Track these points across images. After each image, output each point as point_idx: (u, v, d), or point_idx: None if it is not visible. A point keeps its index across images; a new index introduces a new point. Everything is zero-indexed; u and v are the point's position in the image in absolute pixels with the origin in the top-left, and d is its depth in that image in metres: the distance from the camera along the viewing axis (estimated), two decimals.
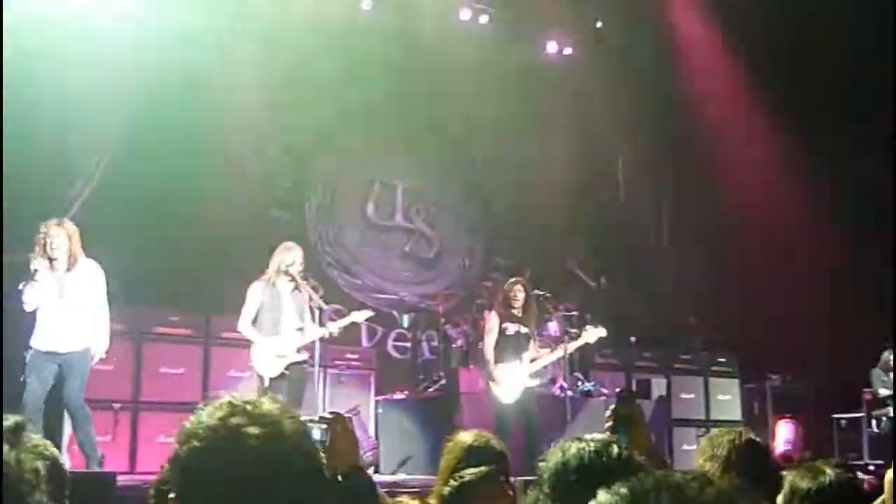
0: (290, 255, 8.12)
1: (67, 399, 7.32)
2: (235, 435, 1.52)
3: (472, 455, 3.47)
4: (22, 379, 7.23)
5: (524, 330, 8.81)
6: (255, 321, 8.06)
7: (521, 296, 8.87)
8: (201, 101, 10.88)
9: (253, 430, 1.52)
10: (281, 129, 12.09)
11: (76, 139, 9.90)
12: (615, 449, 2.36)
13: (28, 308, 7.34)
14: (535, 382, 8.84)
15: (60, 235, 7.35)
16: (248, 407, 1.56)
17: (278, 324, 7.99)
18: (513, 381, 8.60)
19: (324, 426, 3.00)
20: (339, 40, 11.99)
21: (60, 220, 7.51)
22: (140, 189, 10.14)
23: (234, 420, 1.53)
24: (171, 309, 9.55)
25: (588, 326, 9.37)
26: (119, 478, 6.59)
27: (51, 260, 7.33)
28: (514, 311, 8.82)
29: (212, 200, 11.05)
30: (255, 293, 8.07)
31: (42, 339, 7.31)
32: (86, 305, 7.44)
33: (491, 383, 8.64)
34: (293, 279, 8.01)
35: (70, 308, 7.36)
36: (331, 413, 3.10)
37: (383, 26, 12.42)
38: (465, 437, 3.65)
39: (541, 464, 2.42)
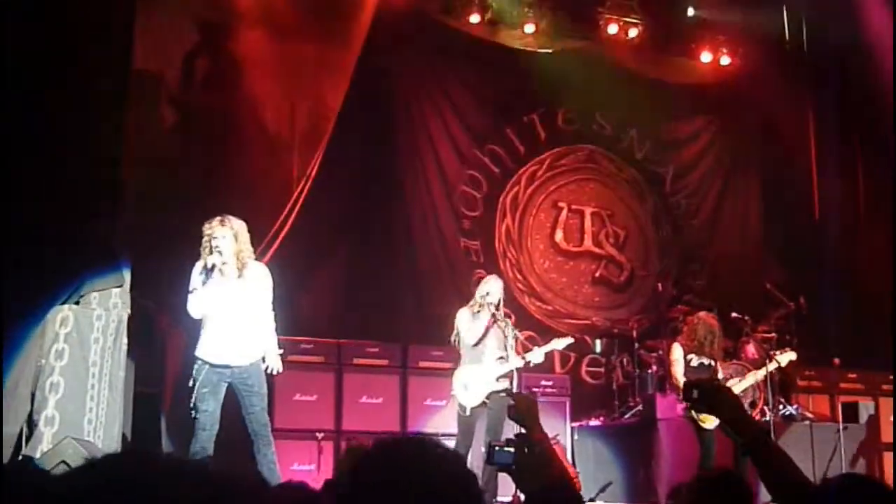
0: (487, 287, 8.23)
1: (252, 418, 6.88)
2: None
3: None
4: (192, 396, 6.83)
5: (707, 361, 8.65)
6: (459, 348, 8.18)
7: (701, 329, 8.72)
8: (394, 134, 11.21)
9: None
10: (468, 161, 12.29)
11: (277, 169, 10.33)
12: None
13: (195, 315, 6.91)
14: None
15: (226, 235, 6.83)
16: None
17: (481, 353, 8.08)
18: None
19: (511, 449, 3.04)
20: (517, 66, 12.13)
21: (224, 216, 6.89)
22: (336, 222, 10.47)
23: None
24: (370, 340, 9.78)
25: (778, 351, 9.11)
26: None
27: (217, 264, 6.78)
28: (697, 343, 8.67)
29: (405, 233, 11.32)
30: (464, 318, 8.19)
31: (213, 352, 6.86)
32: (257, 313, 7.00)
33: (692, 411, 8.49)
34: (491, 313, 8.10)
35: (242, 317, 6.91)
36: (516, 435, 3.12)
37: (541, 46, 12.46)
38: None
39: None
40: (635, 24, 12.67)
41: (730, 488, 3.38)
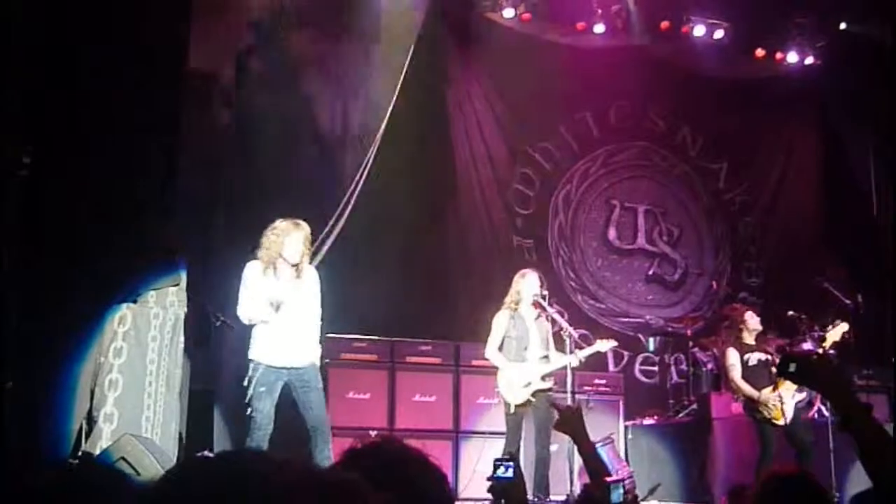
0: (523, 283, 8.18)
1: (311, 415, 6.95)
2: None
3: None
4: (248, 397, 6.87)
5: (764, 357, 8.55)
6: (501, 348, 8.16)
7: (752, 323, 8.64)
8: (447, 132, 11.22)
9: None
10: (521, 159, 12.25)
11: (329, 168, 10.38)
12: None
13: (244, 320, 7.01)
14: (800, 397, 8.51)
15: (299, 240, 6.98)
16: None
17: (524, 351, 8.04)
18: (784, 405, 8.32)
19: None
20: (570, 63, 12.07)
21: (296, 220, 7.05)
22: (389, 220, 10.49)
23: None
24: (422, 338, 9.80)
25: (830, 326, 8.96)
26: None
27: (277, 266, 6.94)
28: (747, 341, 8.59)
29: (457, 231, 11.33)
30: (502, 321, 8.16)
31: (271, 354, 6.91)
32: (314, 315, 7.13)
33: (762, 409, 8.37)
34: (540, 306, 8.06)
35: (300, 319, 7.00)
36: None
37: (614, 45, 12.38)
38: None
39: None
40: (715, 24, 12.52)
41: (806, 489, 3.22)
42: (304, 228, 7.03)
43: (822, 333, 8.91)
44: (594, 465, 3.60)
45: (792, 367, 2.83)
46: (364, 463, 1.94)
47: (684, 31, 12.56)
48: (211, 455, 1.31)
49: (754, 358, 8.54)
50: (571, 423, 3.74)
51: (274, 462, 1.26)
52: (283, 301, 6.91)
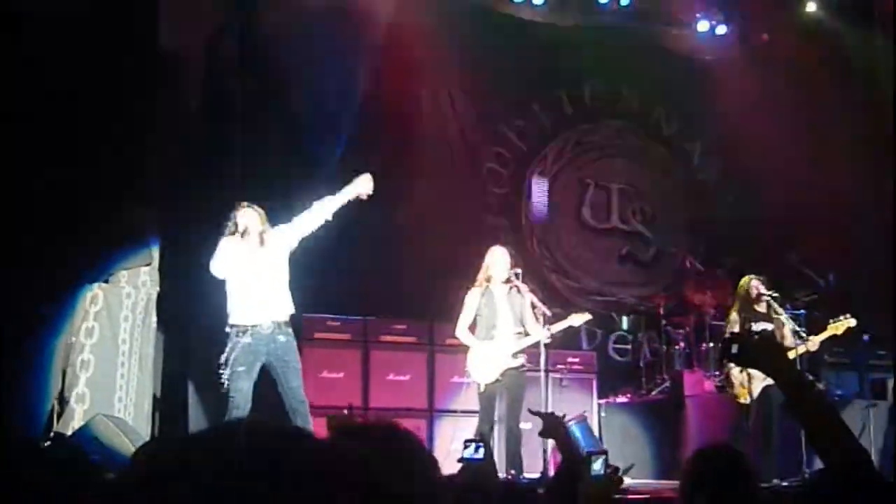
0: (491, 259, 8.18)
1: (291, 394, 6.97)
2: None
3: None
4: (226, 377, 6.84)
5: (770, 327, 8.54)
6: (472, 327, 8.15)
7: (756, 291, 8.66)
8: (420, 111, 11.21)
9: None
10: (495, 138, 12.27)
11: (302, 148, 10.35)
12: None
13: (217, 273, 6.96)
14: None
15: (250, 215, 7.04)
16: None
17: (493, 329, 8.02)
18: (753, 382, 8.36)
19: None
20: (543, 41, 12.08)
21: (249, 203, 7.15)
22: (363, 200, 10.46)
23: None
24: (396, 317, 9.81)
25: (842, 317, 8.89)
26: None
27: (241, 235, 6.98)
28: (758, 308, 8.60)
29: (431, 210, 11.32)
30: (473, 299, 8.15)
31: (245, 313, 6.95)
32: (280, 274, 7.13)
33: (727, 386, 8.40)
34: (512, 283, 8.05)
35: (266, 279, 7.02)
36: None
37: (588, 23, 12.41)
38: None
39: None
40: None
41: (727, 463, 3.22)
42: (258, 210, 7.12)
43: (804, 330, 8.87)
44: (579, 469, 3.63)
45: (734, 349, 2.77)
46: (353, 439, 1.94)
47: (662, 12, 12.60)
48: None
49: (758, 327, 8.51)
50: (556, 431, 3.78)
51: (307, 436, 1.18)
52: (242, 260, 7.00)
